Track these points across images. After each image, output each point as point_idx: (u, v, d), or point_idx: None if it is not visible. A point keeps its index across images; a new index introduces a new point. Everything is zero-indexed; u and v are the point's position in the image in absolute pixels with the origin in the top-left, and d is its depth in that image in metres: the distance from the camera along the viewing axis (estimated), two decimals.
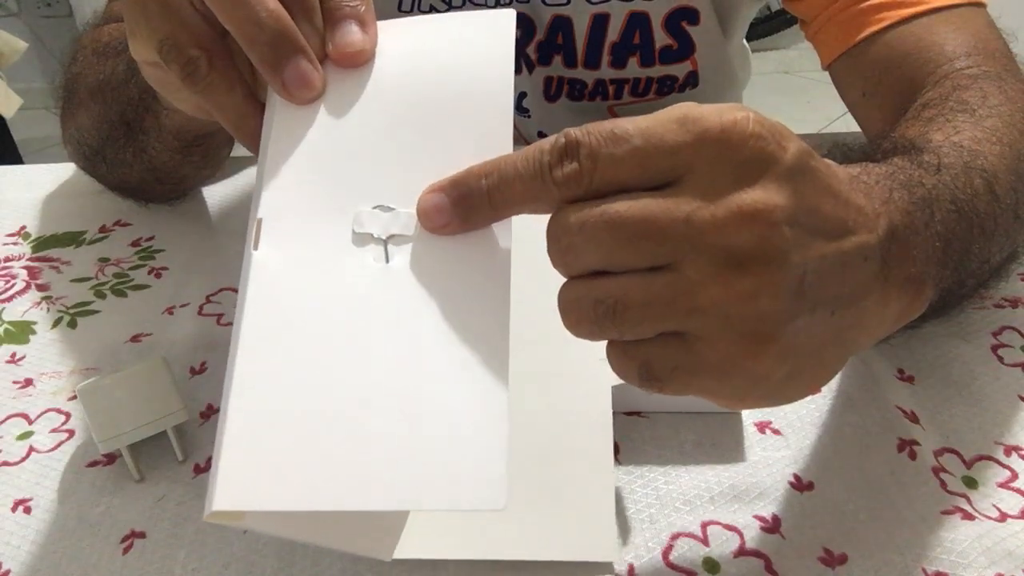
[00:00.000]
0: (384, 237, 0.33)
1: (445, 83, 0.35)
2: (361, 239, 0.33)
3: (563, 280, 0.32)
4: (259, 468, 0.29)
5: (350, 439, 0.30)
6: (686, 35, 0.71)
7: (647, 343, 0.31)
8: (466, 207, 0.32)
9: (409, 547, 0.40)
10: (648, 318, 0.30)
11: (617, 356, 0.32)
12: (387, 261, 0.33)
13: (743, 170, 0.29)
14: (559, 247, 0.31)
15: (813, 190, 0.30)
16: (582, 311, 0.31)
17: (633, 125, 0.29)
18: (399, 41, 0.37)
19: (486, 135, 0.34)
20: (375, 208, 0.33)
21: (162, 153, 0.58)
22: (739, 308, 0.29)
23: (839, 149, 0.44)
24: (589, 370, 0.44)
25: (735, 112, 0.29)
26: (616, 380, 0.42)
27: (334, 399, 0.30)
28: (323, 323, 0.32)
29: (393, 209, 0.33)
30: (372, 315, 0.32)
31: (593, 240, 0.30)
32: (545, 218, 0.31)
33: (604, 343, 0.32)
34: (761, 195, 0.29)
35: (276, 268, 0.32)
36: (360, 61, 0.36)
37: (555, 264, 0.31)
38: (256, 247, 0.33)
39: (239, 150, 0.71)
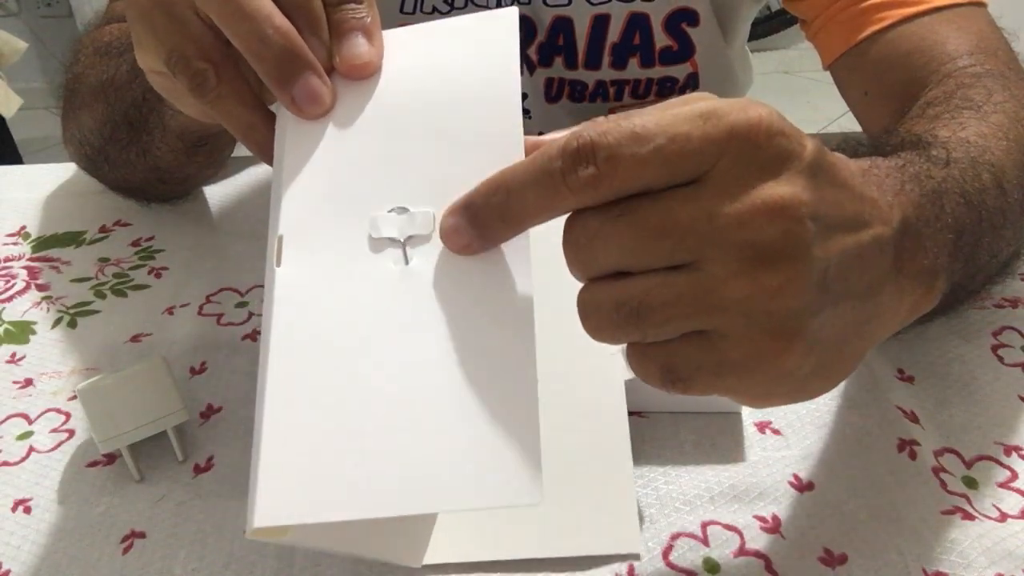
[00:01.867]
0: (402, 239, 0.33)
1: (452, 87, 0.35)
2: (379, 244, 0.33)
3: (568, 275, 0.31)
4: (297, 482, 0.29)
5: (384, 445, 0.30)
6: (686, 36, 0.71)
7: (669, 344, 0.30)
8: (481, 227, 0.31)
9: (436, 552, 0.40)
10: (673, 318, 0.29)
11: (639, 359, 0.31)
12: (407, 263, 0.33)
13: (767, 166, 0.29)
14: (578, 251, 0.30)
15: (831, 185, 0.30)
16: (604, 314, 0.30)
17: (655, 123, 0.28)
18: (405, 49, 0.37)
19: (496, 133, 0.34)
20: (390, 211, 0.33)
21: (166, 154, 0.58)
22: (765, 304, 0.28)
23: (848, 145, 0.44)
24: (601, 366, 0.45)
25: (759, 108, 0.29)
26: (628, 374, 0.43)
27: (366, 406, 0.30)
28: (349, 332, 0.32)
29: (408, 210, 0.33)
30: (396, 318, 0.32)
31: (614, 242, 0.29)
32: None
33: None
34: (787, 189, 0.28)
35: (299, 283, 0.33)
36: (368, 73, 0.36)
37: (572, 266, 0.30)
38: (279, 264, 0.33)
39: (241, 150, 0.71)
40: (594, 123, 0.29)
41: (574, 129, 0.29)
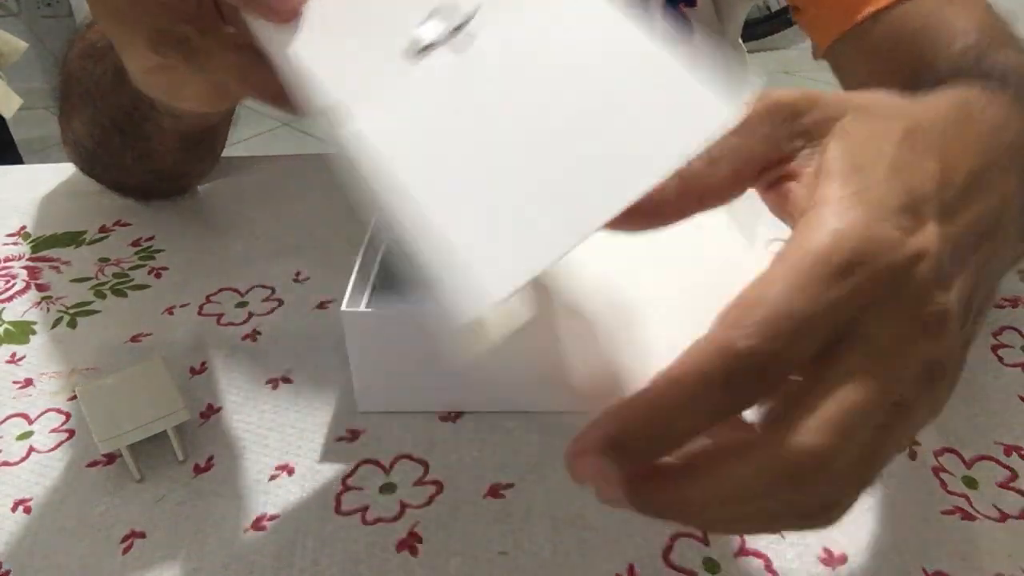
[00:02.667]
0: (446, 35, 0.31)
1: None
2: (426, 51, 0.31)
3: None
4: (500, 247, 0.25)
5: (559, 174, 0.26)
6: (684, 18, 0.72)
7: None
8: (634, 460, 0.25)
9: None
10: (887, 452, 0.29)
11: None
12: (459, 53, 0.30)
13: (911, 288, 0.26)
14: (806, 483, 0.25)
15: (959, 212, 0.29)
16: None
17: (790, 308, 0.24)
18: None
19: None
20: (426, 20, 0.32)
21: (166, 156, 0.58)
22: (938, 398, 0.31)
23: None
24: None
25: (875, 229, 0.25)
26: None
27: (518, 161, 0.27)
28: (454, 131, 0.29)
29: (439, 9, 0.32)
30: (493, 95, 0.29)
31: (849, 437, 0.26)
32: None
33: None
34: (939, 307, 0.27)
35: (375, 127, 0.30)
36: None
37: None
38: (344, 128, 0.30)
39: (231, 150, 0.71)
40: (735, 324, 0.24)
41: (712, 337, 0.24)
